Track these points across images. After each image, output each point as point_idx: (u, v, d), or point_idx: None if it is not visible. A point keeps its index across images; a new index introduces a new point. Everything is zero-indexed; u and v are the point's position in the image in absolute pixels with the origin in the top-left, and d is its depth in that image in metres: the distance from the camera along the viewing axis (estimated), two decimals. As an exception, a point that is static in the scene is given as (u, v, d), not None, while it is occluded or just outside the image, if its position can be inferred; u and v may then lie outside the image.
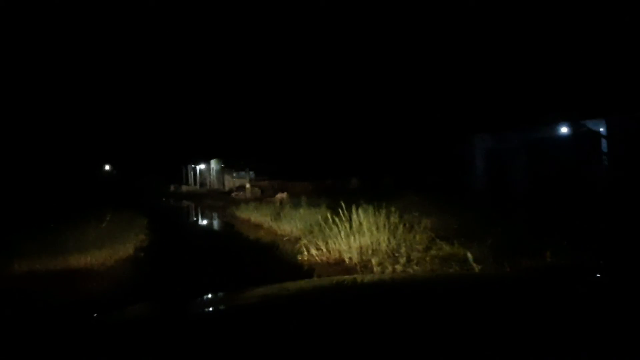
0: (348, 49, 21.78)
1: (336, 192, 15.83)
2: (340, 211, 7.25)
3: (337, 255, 6.65)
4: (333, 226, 7.09)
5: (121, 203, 14.51)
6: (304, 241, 7.86)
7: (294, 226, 9.48)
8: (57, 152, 29.18)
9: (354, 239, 6.68)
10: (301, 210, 10.62)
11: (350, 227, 6.96)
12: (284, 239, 9.28)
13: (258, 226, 11.63)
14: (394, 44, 19.83)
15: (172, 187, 35.96)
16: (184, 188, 35.74)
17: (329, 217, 7.64)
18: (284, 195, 19.25)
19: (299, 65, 25.47)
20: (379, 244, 6.74)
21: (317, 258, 6.79)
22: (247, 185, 24.29)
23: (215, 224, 15.10)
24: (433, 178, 16.24)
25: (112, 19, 33.35)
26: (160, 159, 42.06)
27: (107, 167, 50.05)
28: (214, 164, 35.63)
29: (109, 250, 7.08)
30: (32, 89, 23.99)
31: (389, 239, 6.80)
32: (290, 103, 26.16)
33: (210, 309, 1.57)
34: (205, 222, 16.55)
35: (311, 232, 8.22)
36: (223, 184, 32.55)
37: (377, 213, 7.24)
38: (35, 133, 24.60)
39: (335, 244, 6.75)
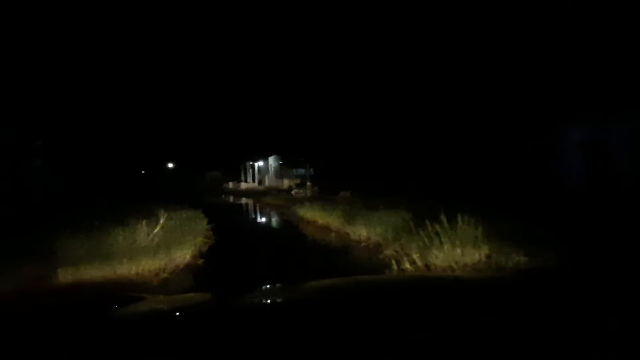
0: (410, 42, 20.04)
1: (402, 192, 14.25)
2: (426, 217, 5.85)
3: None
4: (429, 235, 5.65)
5: (180, 201, 13.83)
6: (389, 251, 6.50)
7: (371, 230, 8.12)
8: (124, 152, 29.84)
9: (461, 253, 5.21)
10: (376, 212, 9.22)
11: (450, 237, 5.50)
12: (361, 245, 7.96)
13: (326, 229, 10.38)
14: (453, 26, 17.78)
15: (230, 184, 35.87)
16: (243, 185, 35.51)
17: (411, 222, 6.30)
18: (347, 193, 17.97)
19: (359, 62, 24.01)
20: (486, 259, 5.26)
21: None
22: (308, 183, 23.24)
23: (280, 226, 14.01)
24: (502, 176, 13.99)
25: (167, 22, 33.66)
26: (219, 156, 42.29)
27: (170, 165, 51.38)
28: (272, 161, 35.05)
29: (164, 257, 6.09)
30: (103, 94, 24.37)
31: (490, 255, 5.31)
32: (350, 99, 24.81)
33: (265, 301, 1.61)
34: (268, 223, 15.54)
35: (396, 239, 6.82)
36: (281, 181, 31.84)
37: (468, 222, 5.74)
38: (105, 135, 25.06)
39: (436, 257, 5.31)
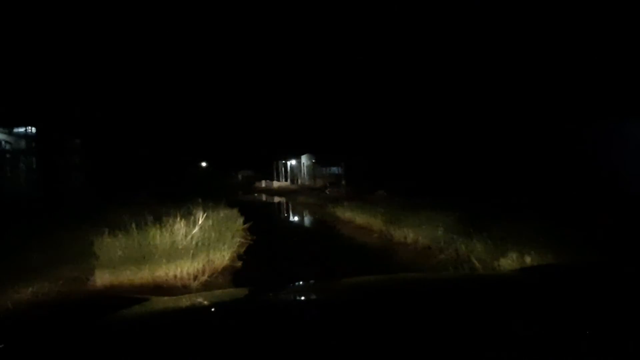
0: (450, 34, 19.18)
1: (442, 193, 13.53)
2: (476, 220, 5.30)
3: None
4: (490, 240, 5.09)
5: (214, 199, 13.60)
6: (444, 255, 5.96)
7: (418, 232, 7.57)
8: (160, 150, 30.20)
9: (531, 262, 4.62)
10: (419, 212, 8.64)
11: (517, 244, 4.92)
12: (408, 248, 7.43)
13: (366, 229, 9.88)
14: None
15: (263, 183, 35.83)
16: (275, 184, 35.39)
17: (461, 225, 5.74)
18: (383, 192, 17.37)
19: (397, 61, 23.27)
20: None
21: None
22: (343, 182, 22.76)
23: (317, 226, 13.58)
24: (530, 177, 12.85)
25: (201, 26, 33.90)
26: (251, 155, 42.42)
27: (203, 164, 52.00)
28: (304, 159, 34.76)
29: (203, 259, 5.77)
30: (139, 95, 24.69)
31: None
32: (384, 97, 24.11)
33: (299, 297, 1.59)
34: (304, 223, 15.15)
35: (450, 242, 6.26)
36: (314, 180, 31.48)
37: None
38: (141, 134, 25.39)
39: (500, 267, 4.74)
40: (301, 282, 2.29)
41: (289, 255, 8.01)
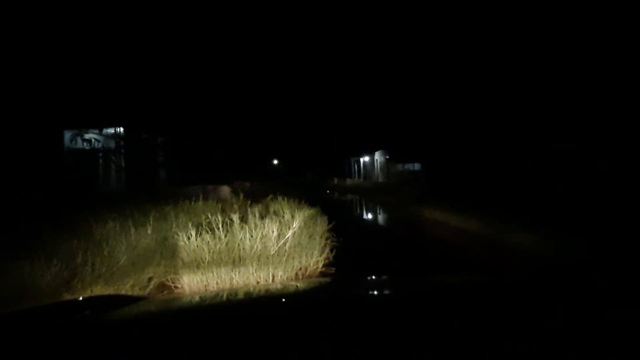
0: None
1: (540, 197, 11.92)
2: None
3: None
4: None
5: (290, 197, 13.09)
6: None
7: (532, 237, 6.43)
8: (233, 148, 30.81)
9: None
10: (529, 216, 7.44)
11: None
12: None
13: (465, 233, 8.80)
14: None
15: (335, 180, 35.36)
16: (348, 181, 34.76)
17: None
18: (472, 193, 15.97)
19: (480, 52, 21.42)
20: None
21: None
22: (423, 180, 21.53)
23: (407, 227, 12.42)
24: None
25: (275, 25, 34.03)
26: (323, 152, 42.17)
27: (275, 162, 52.80)
28: (378, 156, 33.73)
29: (295, 263, 5.16)
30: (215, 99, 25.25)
31: None
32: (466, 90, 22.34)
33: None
34: (391, 224, 14.04)
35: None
36: (387, 177, 30.38)
37: None
38: (217, 132, 25.96)
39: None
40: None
41: (385, 261, 7.19)
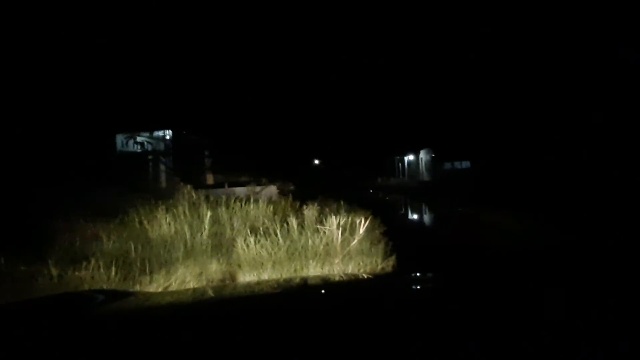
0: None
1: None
2: None
3: None
4: None
5: (338, 197, 12.67)
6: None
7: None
8: (274, 148, 30.91)
9: None
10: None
11: None
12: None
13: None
14: None
15: (379, 180, 34.78)
16: (393, 180, 34.09)
17: None
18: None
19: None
20: None
21: None
22: (472, 179, 20.64)
23: (465, 230, 11.57)
24: None
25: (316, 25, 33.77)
26: (365, 151, 41.62)
27: (316, 162, 52.65)
28: (423, 154, 32.86)
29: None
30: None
31: None
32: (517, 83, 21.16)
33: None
34: (447, 227, 12.98)
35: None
36: (433, 176, 29.49)
37: None
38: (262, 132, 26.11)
39: None
40: None
41: (448, 271, 6.71)
